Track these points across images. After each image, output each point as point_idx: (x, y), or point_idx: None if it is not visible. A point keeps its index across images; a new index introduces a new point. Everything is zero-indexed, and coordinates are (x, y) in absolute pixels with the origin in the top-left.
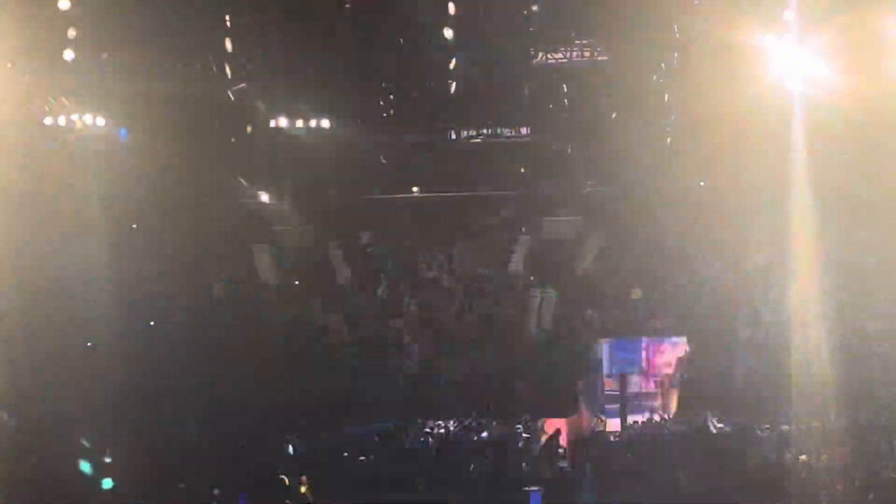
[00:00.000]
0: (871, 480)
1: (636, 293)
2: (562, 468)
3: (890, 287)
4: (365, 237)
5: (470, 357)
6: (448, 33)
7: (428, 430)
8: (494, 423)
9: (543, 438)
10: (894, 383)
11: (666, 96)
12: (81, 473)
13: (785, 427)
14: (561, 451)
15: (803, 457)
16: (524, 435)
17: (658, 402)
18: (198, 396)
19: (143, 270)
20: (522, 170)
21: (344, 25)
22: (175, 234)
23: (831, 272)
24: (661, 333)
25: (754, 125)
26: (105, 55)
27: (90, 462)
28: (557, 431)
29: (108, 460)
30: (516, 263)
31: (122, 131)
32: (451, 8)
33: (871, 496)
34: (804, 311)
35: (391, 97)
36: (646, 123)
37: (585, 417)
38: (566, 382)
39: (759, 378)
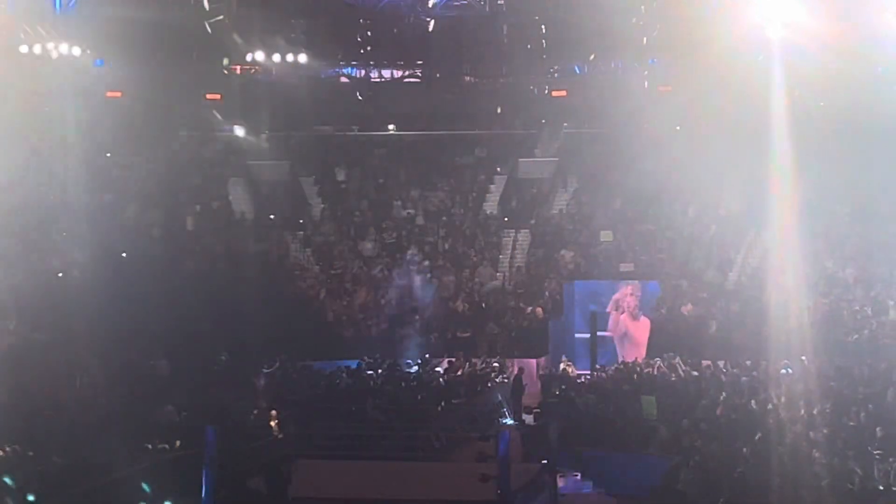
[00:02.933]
0: (838, 427)
1: (606, 235)
2: (526, 408)
3: (863, 233)
4: (340, 174)
5: (441, 296)
6: None
7: (399, 368)
8: (467, 364)
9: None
10: (864, 329)
11: (645, 39)
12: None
13: (755, 373)
14: (525, 384)
15: (773, 402)
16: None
17: (627, 345)
18: (168, 328)
19: (117, 200)
20: (499, 110)
21: None
22: (149, 165)
23: (805, 219)
24: (632, 276)
25: (733, 71)
26: None
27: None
28: (521, 370)
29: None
30: (490, 203)
31: (98, 60)
32: None
33: (838, 443)
34: (778, 257)
35: (369, 33)
36: (624, 67)
37: (554, 358)
38: (536, 324)
39: (730, 323)
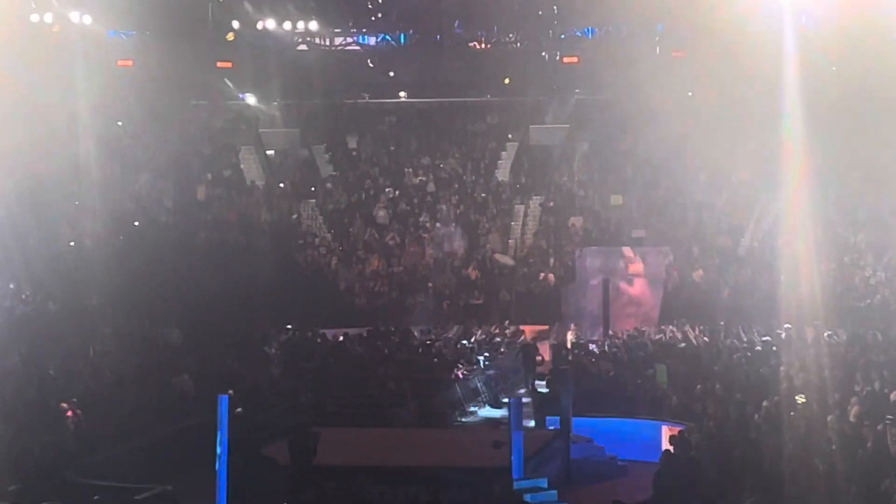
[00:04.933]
0: (850, 393)
1: (616, 199)
2: (539, 375)
3: (875, 199)
4: (351, 141)
5: (453, 265)
6: None
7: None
8: (479, 331)
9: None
10: (877, 294)
11: (657, 5)
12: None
13: (766, 338)
14: (539, 358)
15: (785, 368)
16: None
17: (639, 312)
18: (180, 297)
19: (128, 170)
20: (511, 76)
21: None
22: (161, 135)
23: (817, 185)
24: (644, 243)
25: (745, 36)
26: None
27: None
28: (533, 338)
29: None
30: (502, 170)
31: (112, 31)
32: None
33: (840, 410)
34: (789, 223)
35: (379, 0)
36: (636, 33)
37: (567, 325)
38: (549, 291)
39: (742, 289)
